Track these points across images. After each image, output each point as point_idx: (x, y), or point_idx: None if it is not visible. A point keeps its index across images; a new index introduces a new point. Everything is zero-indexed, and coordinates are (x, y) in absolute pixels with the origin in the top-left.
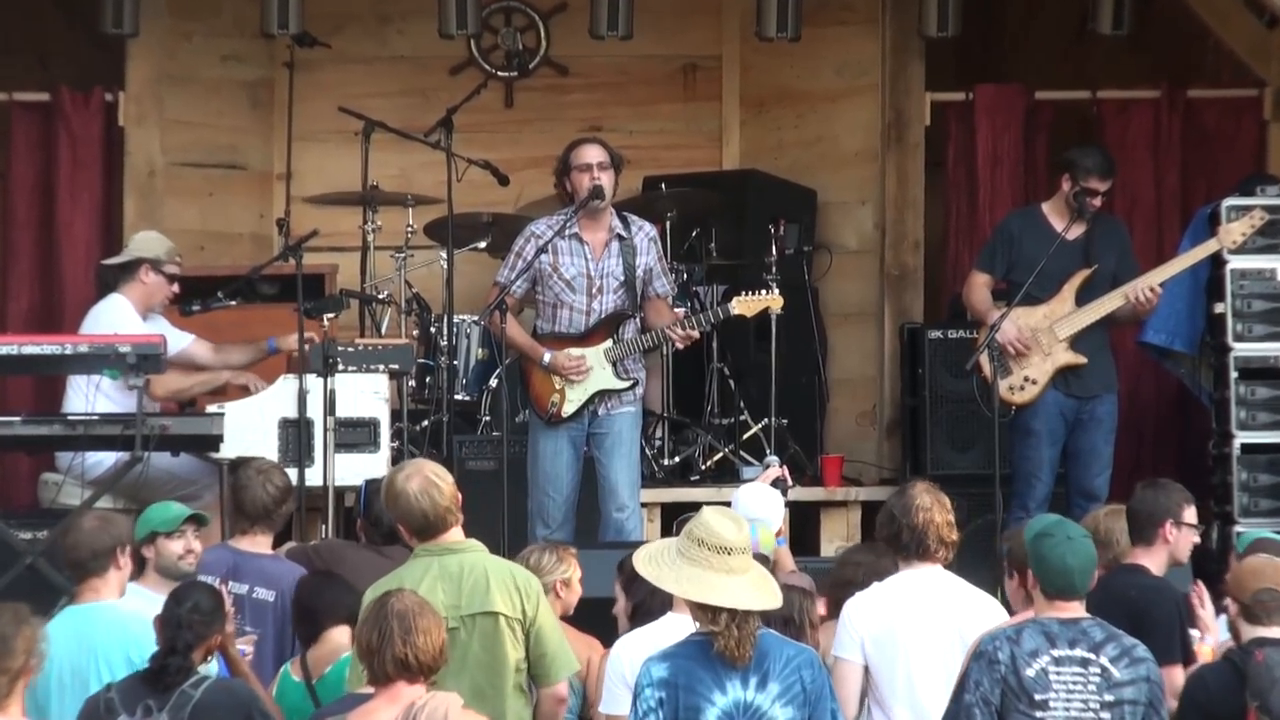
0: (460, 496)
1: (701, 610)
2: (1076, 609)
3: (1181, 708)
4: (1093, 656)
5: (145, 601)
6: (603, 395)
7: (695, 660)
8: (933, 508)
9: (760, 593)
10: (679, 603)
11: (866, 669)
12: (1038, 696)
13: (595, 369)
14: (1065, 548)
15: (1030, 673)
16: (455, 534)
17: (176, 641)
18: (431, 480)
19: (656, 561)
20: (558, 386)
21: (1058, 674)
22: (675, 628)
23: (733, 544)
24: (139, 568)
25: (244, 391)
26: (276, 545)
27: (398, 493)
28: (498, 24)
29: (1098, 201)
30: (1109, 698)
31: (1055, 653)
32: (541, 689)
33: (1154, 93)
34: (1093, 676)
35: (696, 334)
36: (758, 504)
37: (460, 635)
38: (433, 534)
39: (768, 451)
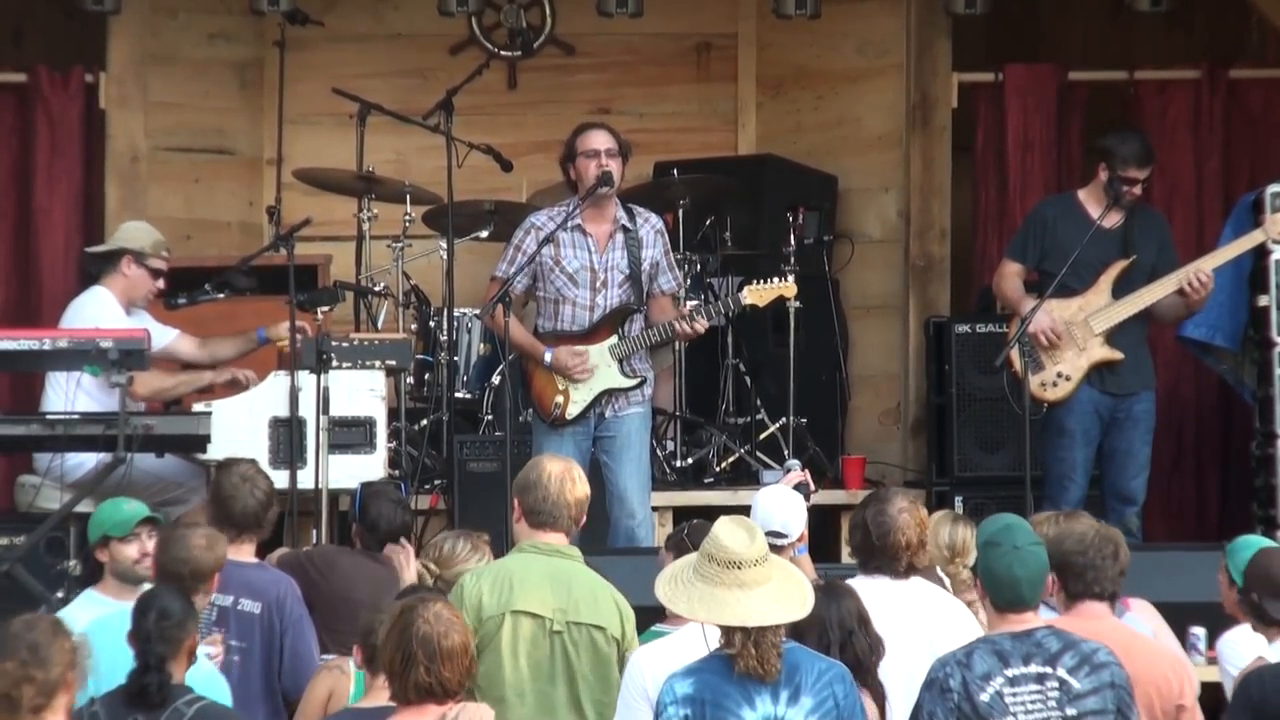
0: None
1: (721, 629)
2: (1030, 620)
3: (1233, 707)
4: (1049, 670)
5: (106, 610)
6: (609, 395)
7: (722, 675)
8: (910, 528)
9: (781, 604)
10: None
11: None
12: None
13: (600, 367)
14: (1012, 557)
15: (984, 698)
16: (563, 539)
17: (149, 657)
18: (573, 475)
19: (674, 582)
20: (561, 387)
21: (1013, 695)
22: (694, 638)
23: (742, 557)
24: (96, 573)
25: (233, 389)
26: (266, 552)
27: (538, 466)
28: (500, 0)
29: (1137, 190)
30: (1071, 711)
31: (1009, 672)
32: None
33: (1194, 73)
34: (1050, 692)
35: (703, 327)
36: (778, 509)
37: (564, 641)
38: (543, 524)
39: (786, 453)
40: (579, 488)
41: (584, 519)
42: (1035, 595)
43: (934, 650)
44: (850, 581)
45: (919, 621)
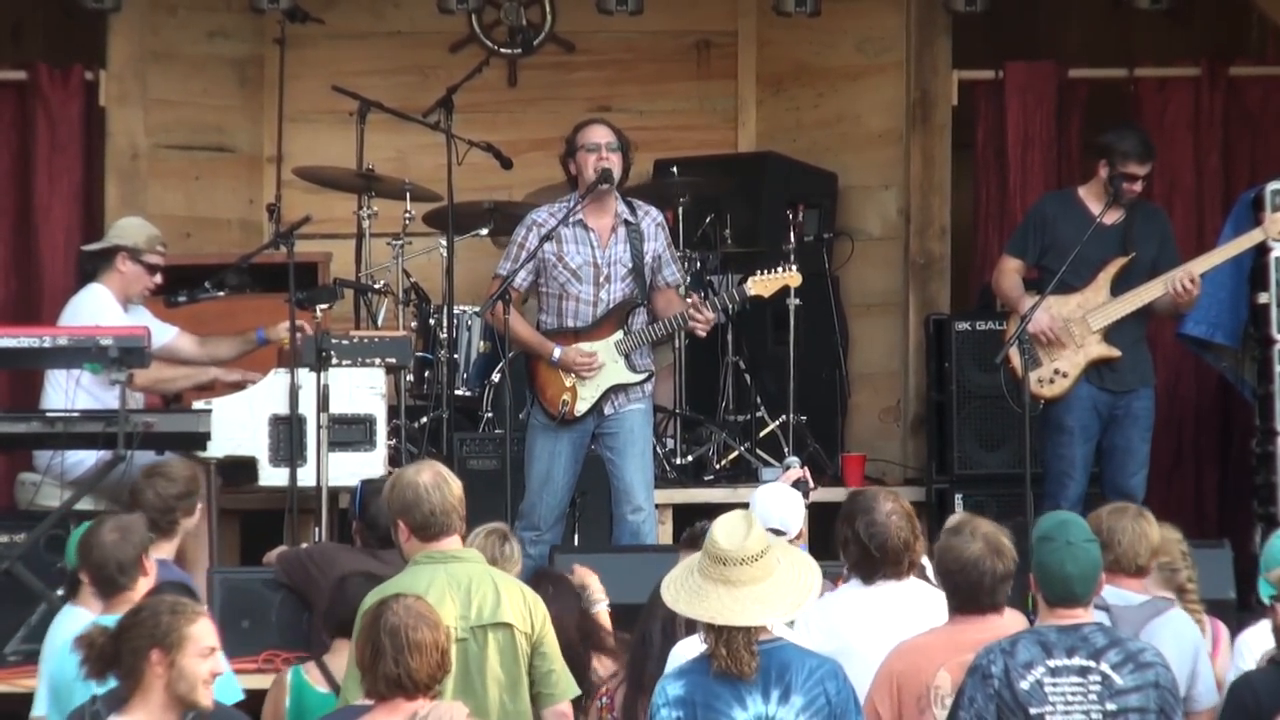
0: (464, 504)
1: (702, 626)
2: (1079, 615)
3: (1227, 711)
4: (1092, 664)
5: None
6: (612, 391)
7: (719, 676)
8: (904, 528)
9: (762, 605)
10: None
11: None
12: (1033, 710)
13: (607, 363)
14: (1065, 553)
15: (1024, 685)
16: (457, 542)
17: None
18: (444, 476)
19: (684, 567)
20: (568, 384)
21: (1054, 685)
22: (693, 639)
23: (729, 554)
24: (75, 588)
25: (234, 388)
26: (265, 550)
27: (407, 484)
28: None
29: (1137, 187)
30: (1111, 706)
31: (1051, 663)
32: (544, 709)
33: (1194, 70)
34: (1093, 685)
35: (713, 316)
36: (776, 506)
37: (471, 647)
38: (436, 534)
39: (786, 450)
40: (455, 486)
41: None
42: (1087, 591)
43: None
44: (847, 590)
45: (910, 622)
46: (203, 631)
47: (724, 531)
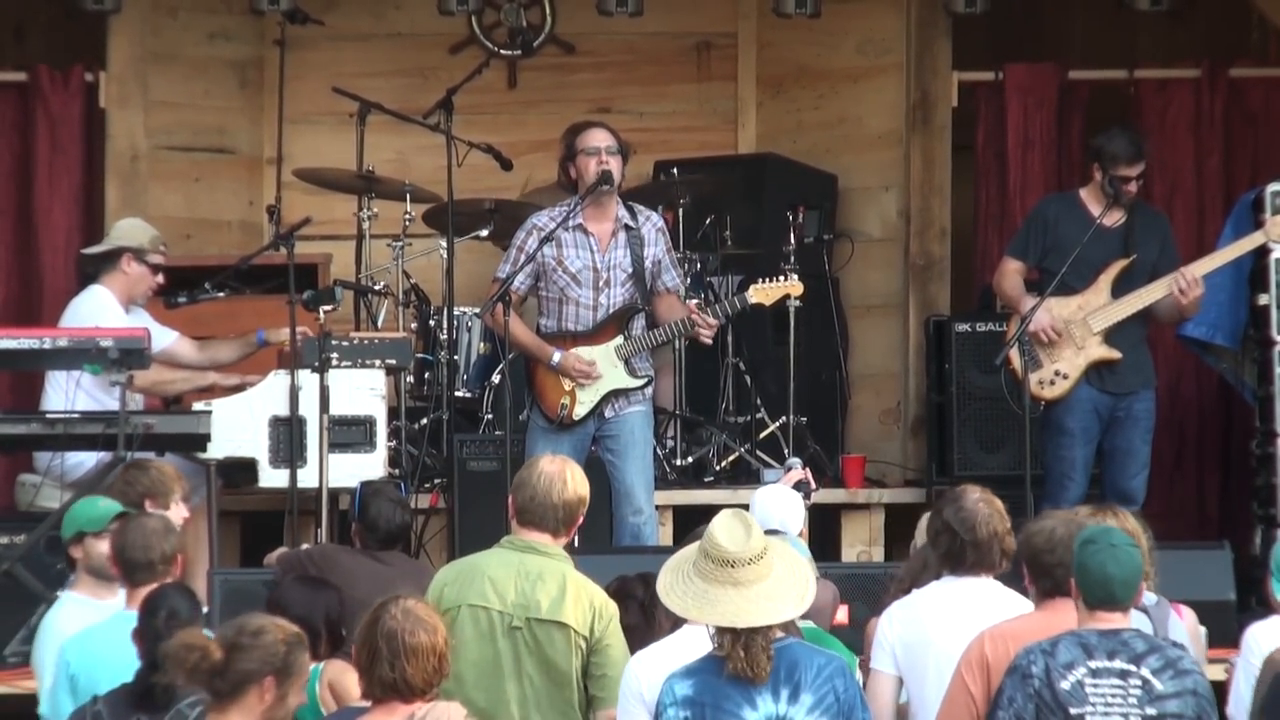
0: (583, 510)
1: (713, 628)
2: (1119, 620)
3: (1269, 702)
4: (1133, 668)
5: (87, 610)
6: (612, 395)
7: (722, 675)
8: (993, 517)
9: (774, 603)
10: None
11: (901, 681)
12: (1073, 710)
13: (606, 368)
14: (1107, 555)
15: (1065, 685)
16: (548, 539)
17: (157, 656)
18: (567, 475)
19: (674, 575)
20: (567, 388)
21: (1094, 686)
22: (690, 640)
23: (735, 555)
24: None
25: (233, 391)
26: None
27: (530, 465)
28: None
29: (1133, 188)
30: (1151, 711)
31: (1092, 664)
32: (596, 712)
33: (1195, 71)
34: (1133, 689)
35: (717, 323)
36: (776, 508)
37: (524, 637)
38: (527, 523)
39: (786, 451)
40: (570, 489)
41: (578, 522)
42: (1128, 595)
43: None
44: (938, 585)
45: (987, 621)
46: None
47: (725, 533)
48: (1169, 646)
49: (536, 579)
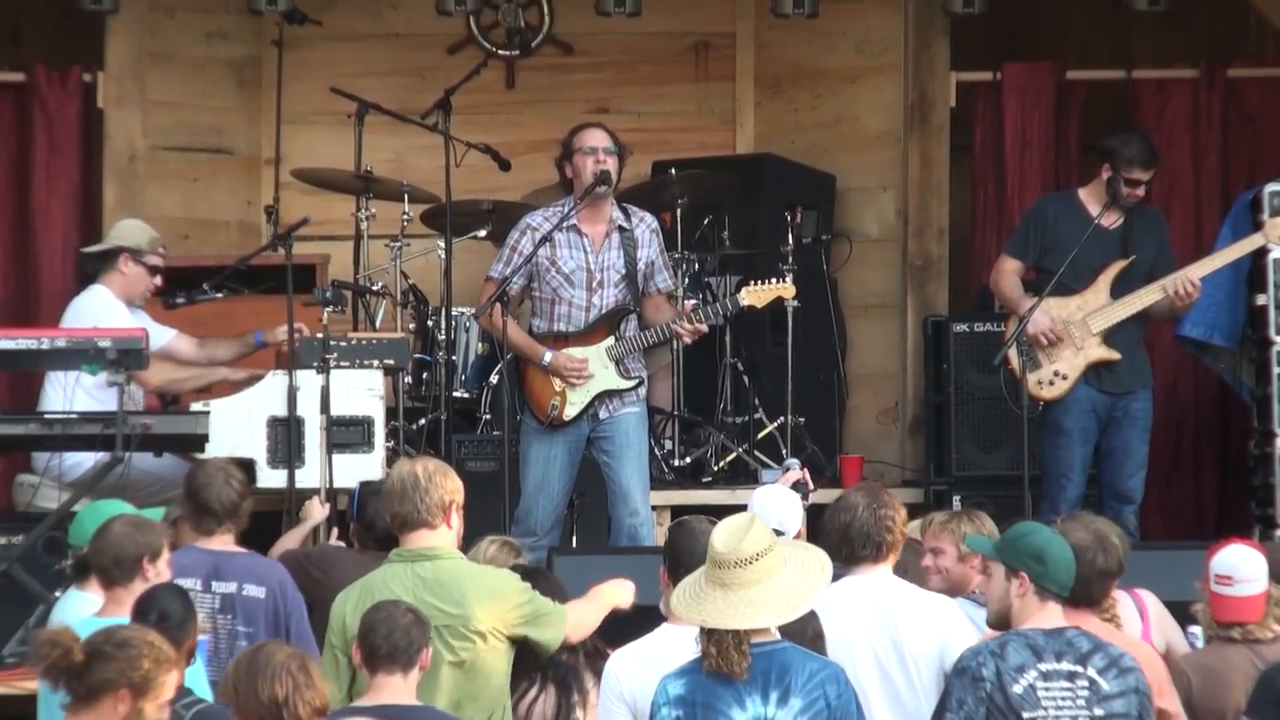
0: (456, 495)
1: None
2: (1058, 618)
3: (1257, 697)
4: (1080, 669)
5: (93, 608)
6: (605, 396)
7: (714, 676)
8: (858, 507)
9: (754, 609)
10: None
11: None
12: (1026, 714)
13: (597, 368)
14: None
15: (1018, 689)
16: (429, 537)
17: None
18: (427, 470)
19: (693, 577)
20: (558, 388)
21: (1046, 689)
22: (669, 639)
23: (723, 557)
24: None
25: (242, 386)
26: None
27: (394, 477)
28: (498, 0)
29: (1139, 192)
30: (1099, 711)
31: (1042, 667)
32: (561, 620)
33: (1192, 71)
34: (1080, 690)
35: (705, 328)
36: (774, 508)
37: (436, 645)
38: (416, 526)
39: (784, 452)
40: (436, 480)
41: (452, 506)
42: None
43: (899, 647)
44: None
45: (884, 617)
46: (172, 684)
47: (721, 535)
48: (1109, 645)
49: (434, 585)
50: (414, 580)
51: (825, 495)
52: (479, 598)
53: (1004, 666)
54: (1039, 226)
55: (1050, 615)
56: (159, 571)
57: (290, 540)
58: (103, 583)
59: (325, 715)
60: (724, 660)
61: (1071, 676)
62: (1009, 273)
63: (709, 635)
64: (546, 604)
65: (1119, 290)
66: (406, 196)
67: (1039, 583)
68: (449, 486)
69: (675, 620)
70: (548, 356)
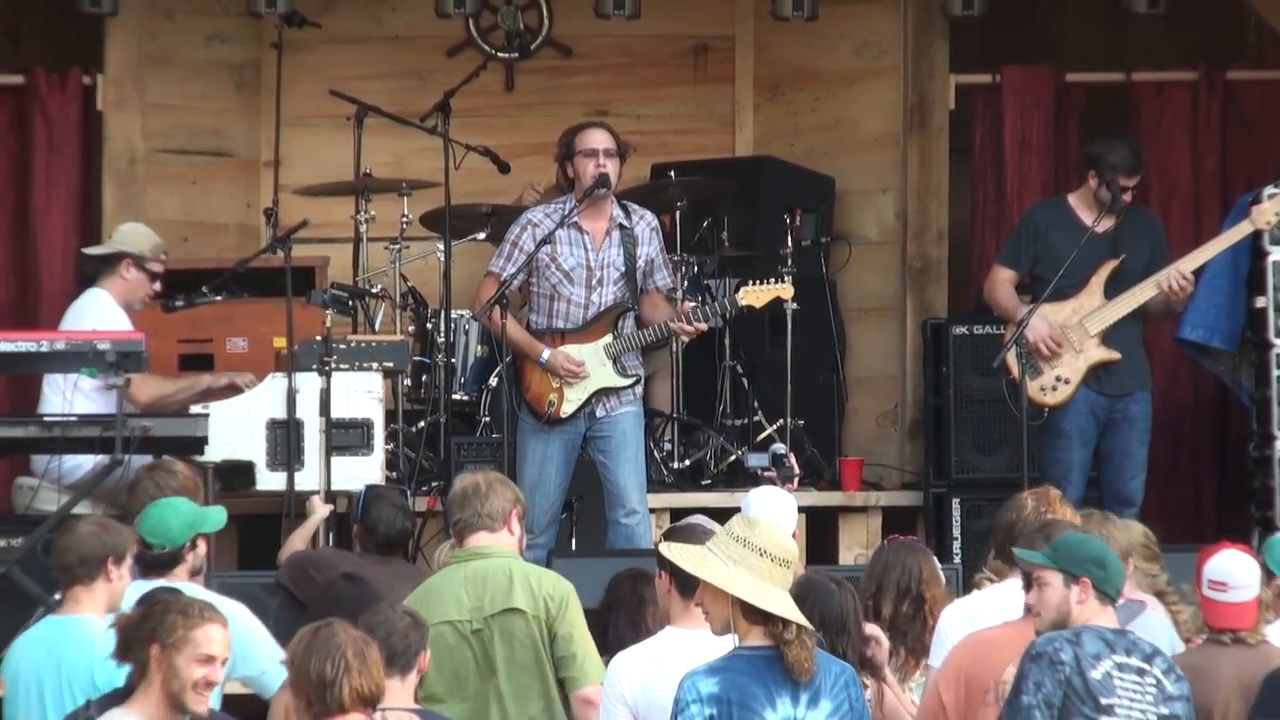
0: (517, 511)
1: (766, 621)
2: (1115, 622)
3: (1262, 701)
4: (1147, 667)
5: None
6: (602, 394)
7: (748, 675)
8: (1026, 507)
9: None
10: (679, 616)
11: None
12: (1104, 700)
13: (595, 366)
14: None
15: (1096, 675)
16: (486, 539)
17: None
18: (487, 482)
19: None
20: (555, 385)
21: (1121, 680)
22: (672, 642)
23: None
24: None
25: (231, 393)
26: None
27: (456, 489)
28: (497, 2)
29: (1127, 197)
30: (1164, 710)
31: (1116, 659)
32: (570, 693)
33: (1191, 74)
34: (1149, 686)
35: (704, 326)
36: (769, 507)
37: (484, 638)
38: (472, 529)
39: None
40: (494, 488)
41: (510, 513)
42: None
43: None
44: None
45: None
46: (205, 638)
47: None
48: (1165, 653)
49: (484, 579)
50: (462, 575)
51: (825, 498)
52: (524, 590)
53: (1081, 653)
54: (1030, 235)
55: (1110, 618)
56: (122, 574)
57: (298, 540)
58: (65, 581)
59: (372, 705)
60: (805, 657)
61: (1140, 672)
62: (1003, 282)
63: (801, 630)
64: (588, 641)
65: (1112, 291)
66: (405, 200)
67: (1100, 587)
68: (509, 495)
69: (681, 624)
70: (545, 354)
